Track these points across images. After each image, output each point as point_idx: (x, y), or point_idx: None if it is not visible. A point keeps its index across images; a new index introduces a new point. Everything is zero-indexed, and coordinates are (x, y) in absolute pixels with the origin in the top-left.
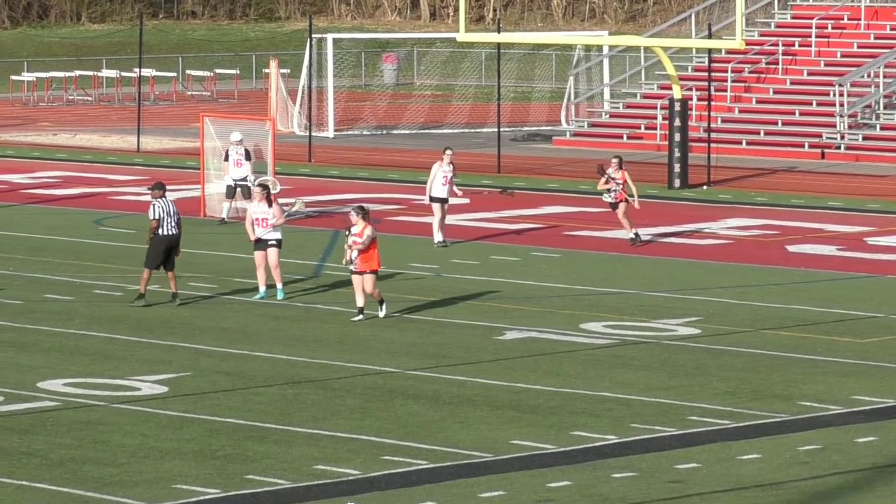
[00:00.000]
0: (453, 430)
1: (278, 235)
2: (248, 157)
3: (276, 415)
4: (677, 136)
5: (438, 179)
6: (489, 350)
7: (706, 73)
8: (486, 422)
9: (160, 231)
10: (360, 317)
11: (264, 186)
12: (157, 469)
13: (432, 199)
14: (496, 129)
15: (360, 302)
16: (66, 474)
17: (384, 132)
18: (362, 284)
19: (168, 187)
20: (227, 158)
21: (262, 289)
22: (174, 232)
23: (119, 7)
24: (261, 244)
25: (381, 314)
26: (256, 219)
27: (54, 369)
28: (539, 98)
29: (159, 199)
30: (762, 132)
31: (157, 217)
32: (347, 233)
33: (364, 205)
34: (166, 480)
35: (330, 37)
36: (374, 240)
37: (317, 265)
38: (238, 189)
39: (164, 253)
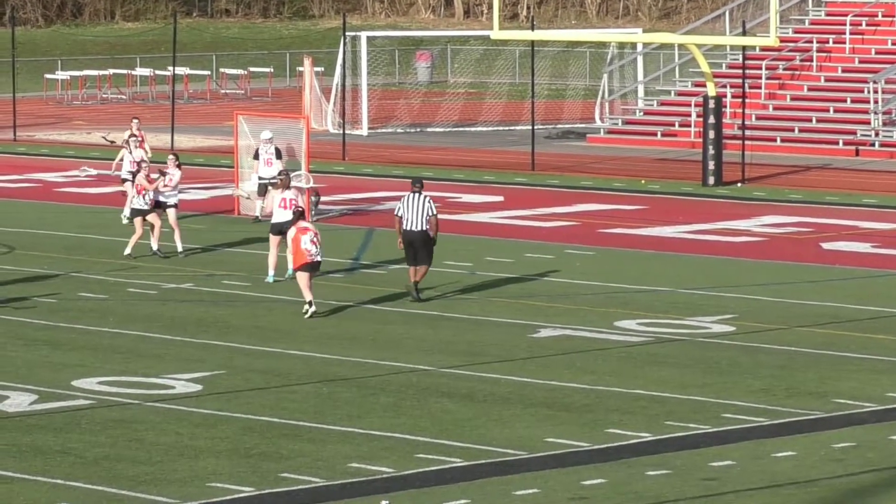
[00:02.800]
0: (487, 428)
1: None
2: (278, 155)
3: (310, 413)
4: (711, 134)
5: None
6: (523, 348)
7: (740, 71)
8: (521, 420)
9: (405, 227)
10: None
11: (286, 174)
12: (192, 467)
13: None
14: (530, 127)
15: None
16: (101, 472)
17: (418, 130)
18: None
19: (201, 185)
20: (257, 157)
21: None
22: (420, 228)
23: (153, 5)
24: (276, 227)
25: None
26: (283, 199)
27: (89, 368)
28: (573, 95)
29: (409, 194)
30: (796, 129)
31: (398, 214)
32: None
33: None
34: (200, 479)
35: (364, 35)
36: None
37: (351, 263)
38: (269, 188)
39: (415, 249)
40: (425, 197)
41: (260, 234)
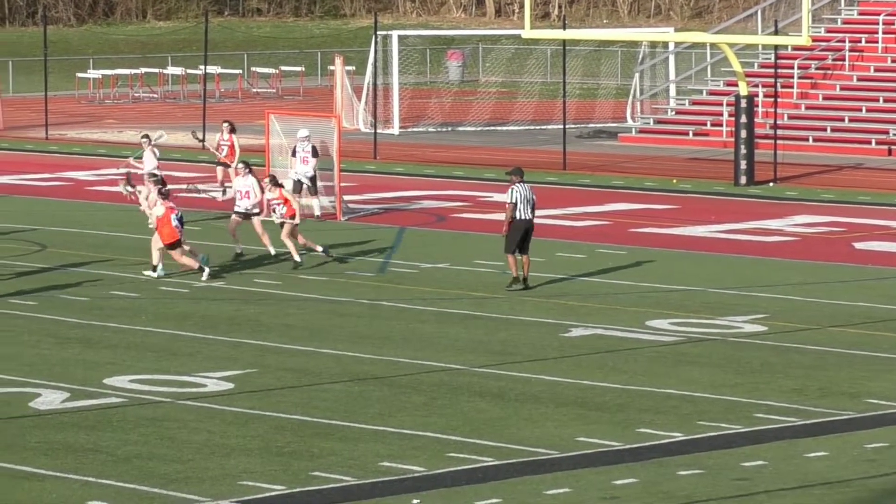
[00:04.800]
0: (519, 427)
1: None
2: (315, 153)
3: (341, 411)
4: (743, 133)
5: None
6: (555, 347)
7: (772, 70)
8: (552, 419)
9: (517, 215)
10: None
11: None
12: (223, 465)
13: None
14: (562, 126)
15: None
16: (133, 471)
17: (449, 129)
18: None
19: (229, 185)
20: (294, 154)
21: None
22: (530, 216)
23: (184, 4)
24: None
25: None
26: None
27: (121, 366)
28: (605, 95)
29: (518, 184)
30: (829, 129)
31: (514, 201)
32: None
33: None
34: (232, 477)
35: (395, 34)
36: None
37: (382, 262)
38: (304, 186)
39: (521, 237)
40: (530, 186)
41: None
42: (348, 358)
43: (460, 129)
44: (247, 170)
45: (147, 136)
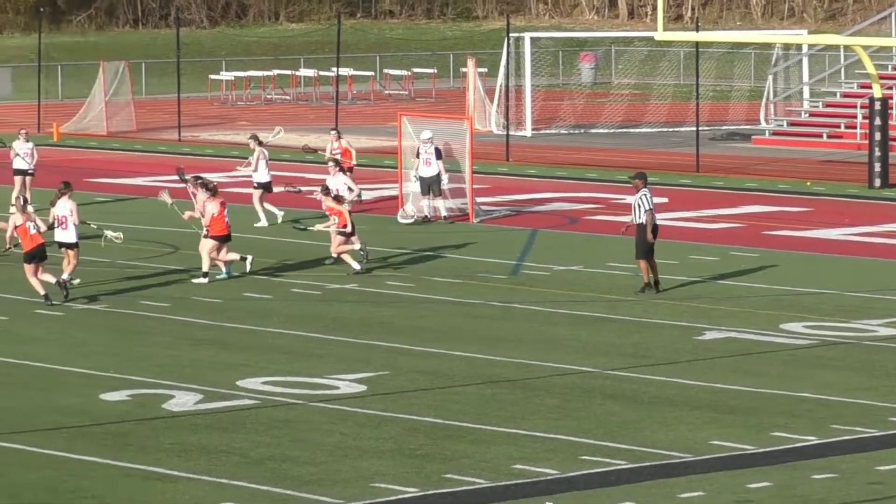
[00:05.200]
0: (652, 430)
1: None
2: (438, 155)
3: (473, 414)
4: (877, 135)
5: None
6: (688, 350)
7: None
8: (685, 422)
9: (643, 220)
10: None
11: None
12: (356, 467)
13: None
14: (694, 129)
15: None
16: (265, 472)
17: (582, 131)
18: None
19: (364, 187)
20: (417, 156)
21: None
22: (640, 221)
23: (317, 6)
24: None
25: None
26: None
27: (253, 367)
28: (738, 97)
29: (645, 189)
30: None
31: (652, 206)
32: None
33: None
34: (365, 479)
35: (527, 35)
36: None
37: (514, 265)
38: (430, 187)
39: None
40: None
41: (424, 235)
42: (481, 360)
43: (592, 130)
44: (337, 169)
45: (255, 137)
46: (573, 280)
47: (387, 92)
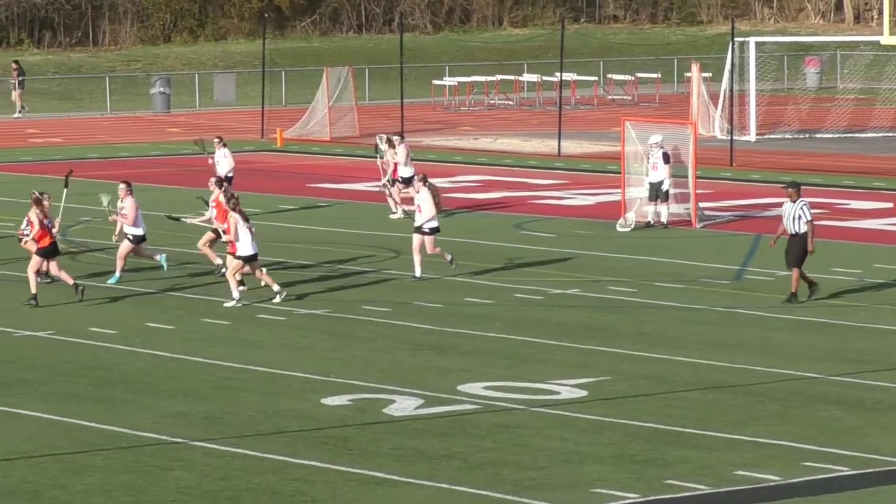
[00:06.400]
0: (876, 437)
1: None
2: (666, 159)
3: (695, 419)
4: None
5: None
6: None
7: None
8: None
9: (798, 230)
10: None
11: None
12: (576, 473)
13: None
14: None
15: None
16: (486, 477)
17: (807, 136)
18: None
19: (588, 192)
20: (648, 160)
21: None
22: (797, 231)
23: (541, 11)
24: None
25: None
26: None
27: (474, 372)
28: None
29: (802, 200)
30: None
31: (811, 218)
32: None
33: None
34: (585, 484)
35: (752, 40)
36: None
37: (738, 270)
38: (657, 192)
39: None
40: None
41: (646, 240)
42: (703, 366)
43: (817, 135)
44: (422, 184)
45: (390, 139)
46: None
47: (610, 97)
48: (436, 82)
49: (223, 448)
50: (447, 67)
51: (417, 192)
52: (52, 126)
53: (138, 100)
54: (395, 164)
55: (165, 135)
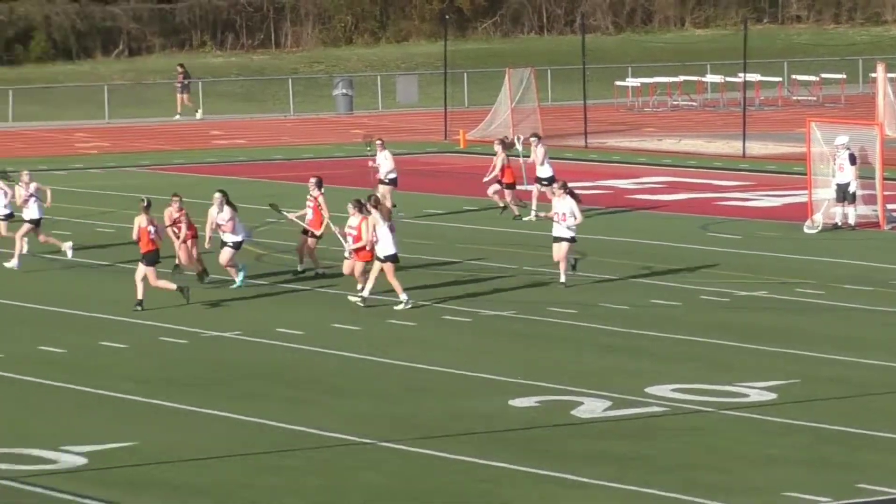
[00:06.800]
0: None
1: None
2: (852, 161)
3: (888, 423)
4: None
5: None
6: None
7: None
8: None
9: None
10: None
11: None
12: (767, 476)
13: None
14: None
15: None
16: (676, 480)
17: None
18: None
19: (773, 193)
20: (834, 161)
21: None
22: None
23: (723, 12)
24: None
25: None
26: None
27: (662, 375)
28: None
29: None
30: None
31: None
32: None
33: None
34: (776, 488)
35: None
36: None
37: None
38: (844, 194)
39: None
40: None
41: (833, 242)
42: (894, 369)
43: None
44: (563, 191)
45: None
46: None
47: (795, 98)
48: (618, 83)
49: (411, 449)
50: (630, 68)
51: (559, 198)
52: (235, 128)
53: (321, 101)
54: (532, 164)
55: (348, 136)
